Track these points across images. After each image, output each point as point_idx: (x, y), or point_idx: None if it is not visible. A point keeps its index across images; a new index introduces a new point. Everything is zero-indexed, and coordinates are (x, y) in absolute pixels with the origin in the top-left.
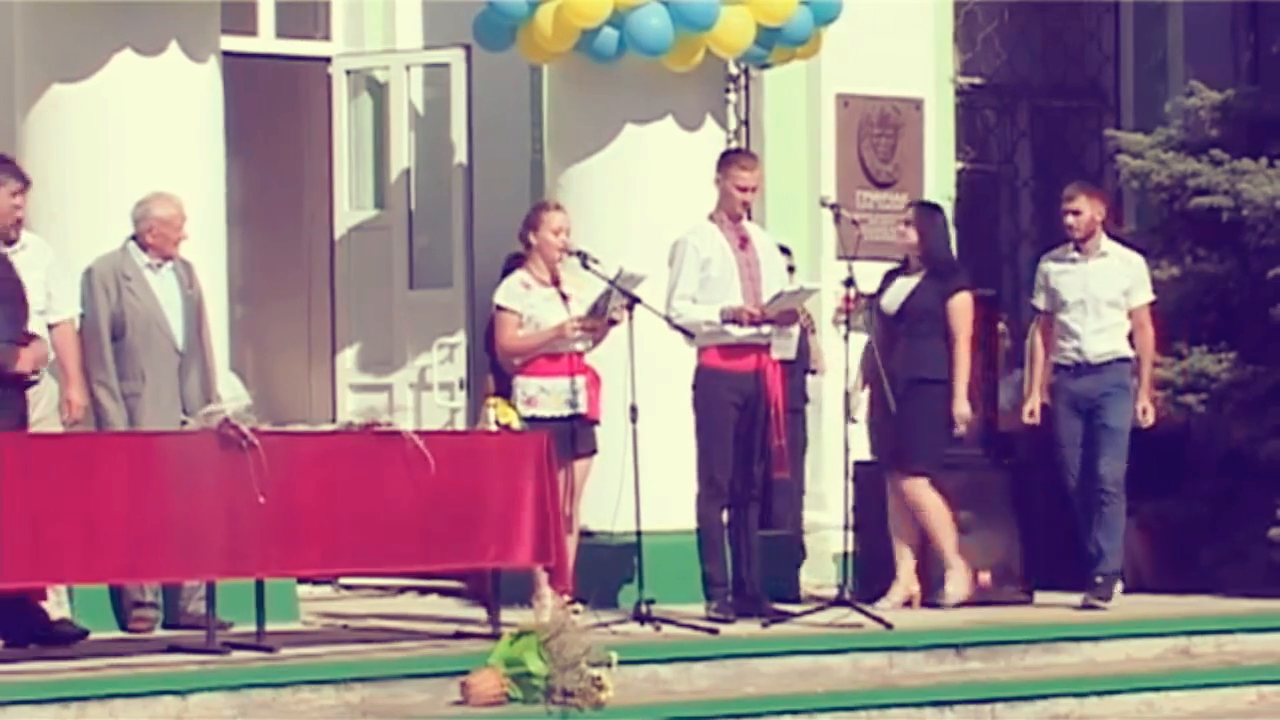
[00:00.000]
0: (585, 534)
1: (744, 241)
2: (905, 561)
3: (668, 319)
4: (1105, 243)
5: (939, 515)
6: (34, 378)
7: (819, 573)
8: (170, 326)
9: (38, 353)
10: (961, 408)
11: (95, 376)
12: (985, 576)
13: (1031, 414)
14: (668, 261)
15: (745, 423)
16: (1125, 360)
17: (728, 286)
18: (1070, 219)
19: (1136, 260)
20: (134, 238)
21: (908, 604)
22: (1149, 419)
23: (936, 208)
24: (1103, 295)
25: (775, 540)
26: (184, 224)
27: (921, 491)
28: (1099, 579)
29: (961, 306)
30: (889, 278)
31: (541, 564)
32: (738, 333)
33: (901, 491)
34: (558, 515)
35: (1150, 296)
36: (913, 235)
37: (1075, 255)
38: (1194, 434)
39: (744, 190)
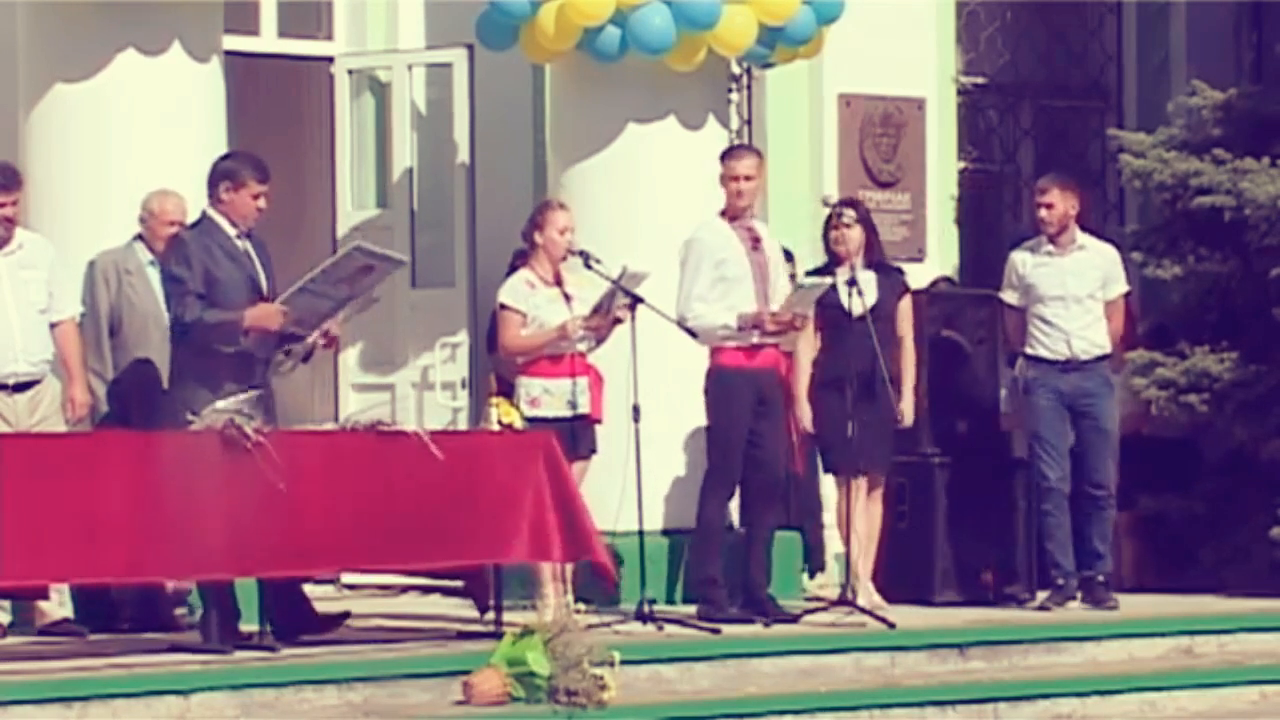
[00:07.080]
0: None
1: (756, 242)
2: None
3: (679, 322)
4: (1080, 236)
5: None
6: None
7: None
8: (166, 324)
9: None
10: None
11: (91, 366)
12: (987, 576)
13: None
14: (680, 261)
15: (762, 421)
16: (1108, 357)
17: (743, 287)
18: (1043, 212)
19: (1111, 253)
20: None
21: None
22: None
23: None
24: (1082, 290)
25: (780, 539)
26: (176, 218)
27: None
28: (1100, 578)
29: (905, 307)
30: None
31: (546, 560)
32: (755, 338)
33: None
34: (579, 510)
35: (1125, 288)
36: (858, 235)
37: (1051, 249)
38: (1196, 433)
39: (735, 180)
